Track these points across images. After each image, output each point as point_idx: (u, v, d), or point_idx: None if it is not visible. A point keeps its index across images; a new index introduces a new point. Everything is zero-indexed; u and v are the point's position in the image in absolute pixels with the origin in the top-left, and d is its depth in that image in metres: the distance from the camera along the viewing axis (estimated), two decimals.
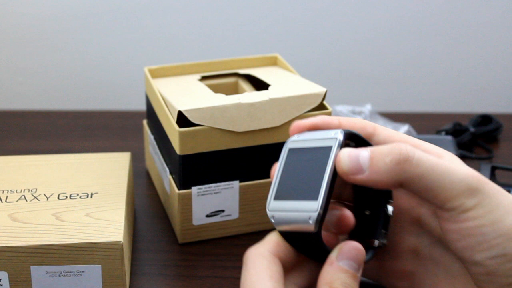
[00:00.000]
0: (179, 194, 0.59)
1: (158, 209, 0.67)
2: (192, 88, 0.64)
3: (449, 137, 0.74)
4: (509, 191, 0.68)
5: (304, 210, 0.39)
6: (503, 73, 1.01)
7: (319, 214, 0.39)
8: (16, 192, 0.58)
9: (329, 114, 0.61)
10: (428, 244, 0.44)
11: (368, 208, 0.45)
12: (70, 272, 0.52)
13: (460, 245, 0.39)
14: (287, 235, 0.41)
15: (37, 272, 0.52)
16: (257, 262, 0.39)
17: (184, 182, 0.59)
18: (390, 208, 0.44)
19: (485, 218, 0.39)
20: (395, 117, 0.85)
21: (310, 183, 0.40)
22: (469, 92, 1.02)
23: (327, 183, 0.39)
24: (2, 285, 0.52)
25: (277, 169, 0.43)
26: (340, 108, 0.84)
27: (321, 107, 0.61)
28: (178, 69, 0.69)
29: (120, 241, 0.52)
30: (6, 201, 0.57)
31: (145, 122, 0.72)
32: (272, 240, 0.41)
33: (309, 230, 0.39)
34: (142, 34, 0.98)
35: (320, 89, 0.61)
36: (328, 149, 0.41)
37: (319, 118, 0.43)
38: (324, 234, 0.44)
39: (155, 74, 0.68)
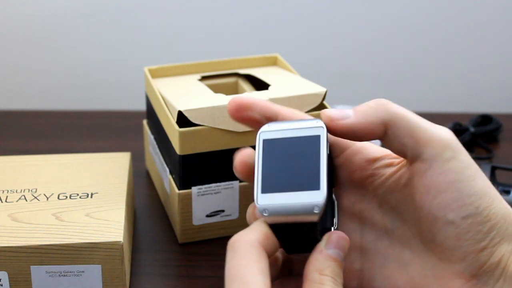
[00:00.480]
0: (179, 194, 0.59)
1: (158, 209, 0.67)
2: (192, 88, 0.64)
3: None
4: (509, 191, 0.68)
5: (306, 200, 0.39)
6: (503, 73, 1.01)
7: (325, 203, 0.39)
8: (16, 192, 0.58)
9: None
10: (373, 239, 0.44)
11: None
12: (70, 272, 0.52)
13: (435, 203, 0.40)
14: (279, 227, 0.41)
15: (37, 272, 0.52)
16: (247, 252, 0.39)
17: (184, 182, 0.59)
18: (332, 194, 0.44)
19: (462, 173, 0.40)
20: None
21: (304, 173, 0.40)
22: (469, 92, 1.02)
23: (326, 171, 0.40)
24: (2, 285, 0.52)
25: (256, 162, 0.42)
26: (340, 108, 0.84)
27: (321, 107, 0.61)
28: (178, 69, 0.69)
29: (120, 241, 0.52)
30: (6, 201, 0.57)
31: (145, 122, 0.72)
32: (261, 231, 0.40)
33: (312, 220, 0.40)
34: (142, 34, 0.98)
35: (320, 89, 0.61)
36: (316, 138, 0.41)
37: (257, 98, 0.44)
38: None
39: (155, 74, 0.68)
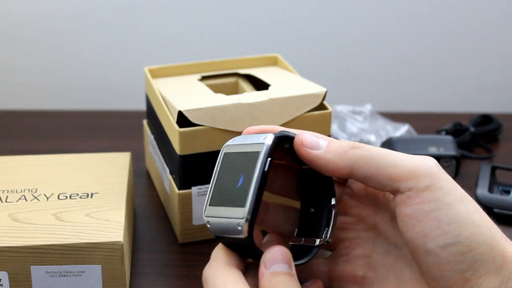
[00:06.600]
0: (179, 194, 0.59)
1: (158, 209, 0.67)
2: (192, 88, 0.64)
3: (449, 137, 0.74)
4: (509, 191, 0.68)
5: (234, 217, 0.40)
6: (503, 73, 1.01)
7: (246, 221, 0.39)
8: (16, 192, 0.58)
9: (329, 114, 0.61)
10: (382, 252, 0.44)
11: (312, 205, 0.46)
12: (70, 272, 0.52)
13: (415, 231, 0.40)
14: (224, 241, 0.42)
15: (37, 272, 0.52)
16: (221, 276, 0.39)
17: (184, 182, 0.59)
18: (333, 203, 0.45)
19: (441, 200, 0.39)
20: (395, 117, 0.85)
21: (239, 189, 0.41)
22: (469, 92, 1.02)
23: (254, 189, 0.40)
24: (2, 285, 0.52)
25: (213, 174, 0.43)
26: (340, 108, 0.84)
27: (321, 107, 0.61)
28: (178, 69, 0.69)
29: (120, 241, 0.52)
30: (6, 201, 0.57)
31: (145, 122, 0.72)
32: (221, 255, 0.41)
33: (239, 236, 0.40)
34: (142, 34, 0.98)
35: (320, 89, 0.61)
36: (256, 154, 0.41)
37: (272, 126, 0.45)
38: (271, 236, 0.46)
39: (155, 74, 0.68)
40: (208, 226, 0.41)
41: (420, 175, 0.40)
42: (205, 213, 0.42)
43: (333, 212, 0.44)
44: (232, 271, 0.40)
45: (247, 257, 0.42)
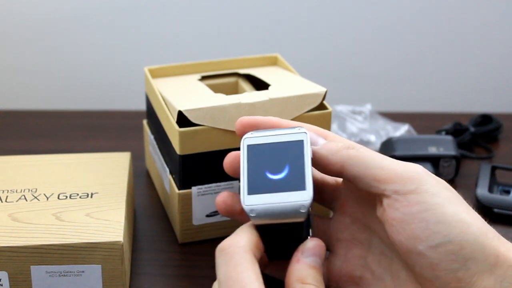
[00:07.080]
0: (179, 194, 0.59)
1: (158, 209, 0.67)
2: (192, 88, 0.64)
3: (449, 137, 0.74)
4: (509, 191, 0.68)
5: (292, 200, 0.40)
6: (503, 73, 1.01)
7: (311, 203, 0.40)
8: (16, 192, 0.58)
9: (329, 114, 0.61)
10: (378, 253, 0.45)
11: None
12: (70, 272, 0.52)
13: (404, 234, 0.40)
14: (266, 229, 0.41)
15: (37, 272, 0.52)
16: (242, 258, 0.39)
17: (184, 182, 0.59)
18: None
19: (428, 202, 0.39)
20: (395, 117, 0.85)
21: (289, 174, 0.42)
22: (469, 92, 1.02)
23: (311, 173, 0.41)
24: (2, 285, 0.52)
25: (241, 166, 0.43)
26: (340, 108, 0.84)
27: (321, 107, 0.61)
28: (178, 69, 0.69)
29: (120, 241, 0.52)
30: (6, 201, 0.57)
31: (145, 122, 0.72)
32: (250, 236, 0.41)
33: (298, 219, 0.40)
34: (142, 34, 0.98)
35: (320, 89, 0.61)
36: (300, 142, 0.43)
37: (267, 118, 0.46)
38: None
39: (155, 74, 0.68)
40: (252, 214, 0.41)
41: (405, 179, 0.40)
42: (246, 202, 0.41)
43: (311, 214, 0.45)
44: (256, 264, 0.39)
45: (274, 253, 0.43)
